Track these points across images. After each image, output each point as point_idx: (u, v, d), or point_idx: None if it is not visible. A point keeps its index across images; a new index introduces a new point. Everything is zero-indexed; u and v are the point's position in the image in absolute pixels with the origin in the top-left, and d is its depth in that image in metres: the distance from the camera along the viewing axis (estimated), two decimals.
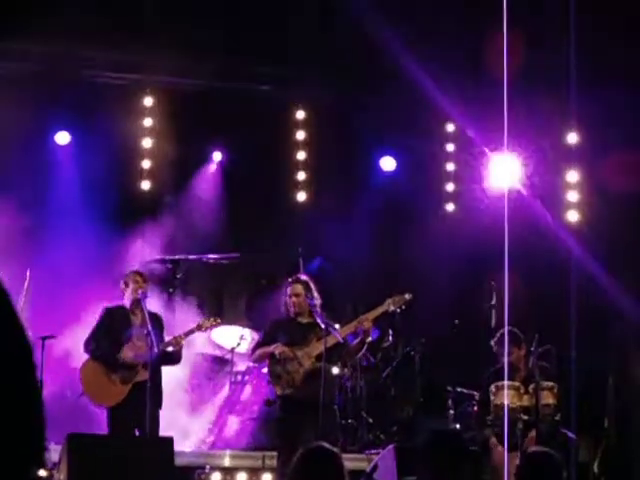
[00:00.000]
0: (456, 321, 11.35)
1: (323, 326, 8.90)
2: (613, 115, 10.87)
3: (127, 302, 9.28)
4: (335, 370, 9.32)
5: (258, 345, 9.25)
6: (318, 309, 9.05)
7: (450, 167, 12.47)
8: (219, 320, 9.60)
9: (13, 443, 1.21)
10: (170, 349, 9.09)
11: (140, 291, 9.16)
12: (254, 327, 10.81)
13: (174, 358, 9.25)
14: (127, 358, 9.05)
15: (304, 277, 9.43)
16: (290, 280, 9.24)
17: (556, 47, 10.06)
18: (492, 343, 9.48)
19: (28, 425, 1.23)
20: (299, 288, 9.12)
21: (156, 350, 8.85)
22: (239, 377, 10.96)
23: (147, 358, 8.88)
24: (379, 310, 9.12)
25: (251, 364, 10.42)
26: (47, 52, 10.73)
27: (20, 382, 1.25)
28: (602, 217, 11.35)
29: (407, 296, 9.20)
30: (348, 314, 9.53)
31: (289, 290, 9.12)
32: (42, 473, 7.57)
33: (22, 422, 1.23)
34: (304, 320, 9.10)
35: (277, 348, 8.94)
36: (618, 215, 11.26)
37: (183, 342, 9.21)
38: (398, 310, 9.29)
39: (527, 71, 10.02)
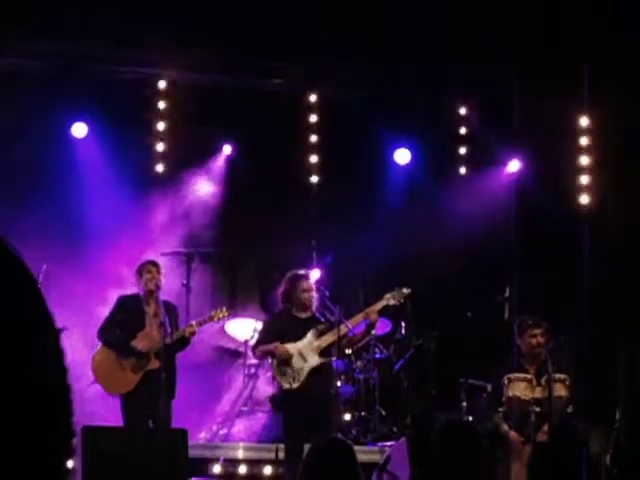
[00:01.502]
0: (469, 313, 11.35)
1: (333, 319, 8.96)
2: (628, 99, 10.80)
3: (141, 292, 9.33)
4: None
5: (260, 342, 9.26)
6: (328, 302, 9.13)
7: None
8: (227, 312, 9.62)
9: (41, 429, 1.21)
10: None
11: (153, 282, 9.21)
12: None
13: (183, 343, 9.27)
14: (140, 347, 9.10)
15: (309, 272, 9.53)
16: (301, 274, 9.23)
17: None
18: (515, 329, 9.41)
19: (56, 410, 1.23)
20: (312, 283, 9.19)
21: (169, 340, 8.90)
22: (252, 369, 10.99)
23: (160, 347, 8.95)
24: (380, 304, 9.17)
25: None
26: (62, 49, 10.76)
27: (48, 366, 1.25)
28: (614, 203, 11.31)
29: (405, 290, 9.27)
30: (360, 308, 9.54)
31: (305, 285, 9.10)
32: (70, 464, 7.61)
33: (50, 407, 1.23)
34: (305, 315, 9.12)
35: (277, 349, 8.97)
36: (630, 202, 11.22)
37: (196, 329, 9.23)
38: (398, 304, 9.34)
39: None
